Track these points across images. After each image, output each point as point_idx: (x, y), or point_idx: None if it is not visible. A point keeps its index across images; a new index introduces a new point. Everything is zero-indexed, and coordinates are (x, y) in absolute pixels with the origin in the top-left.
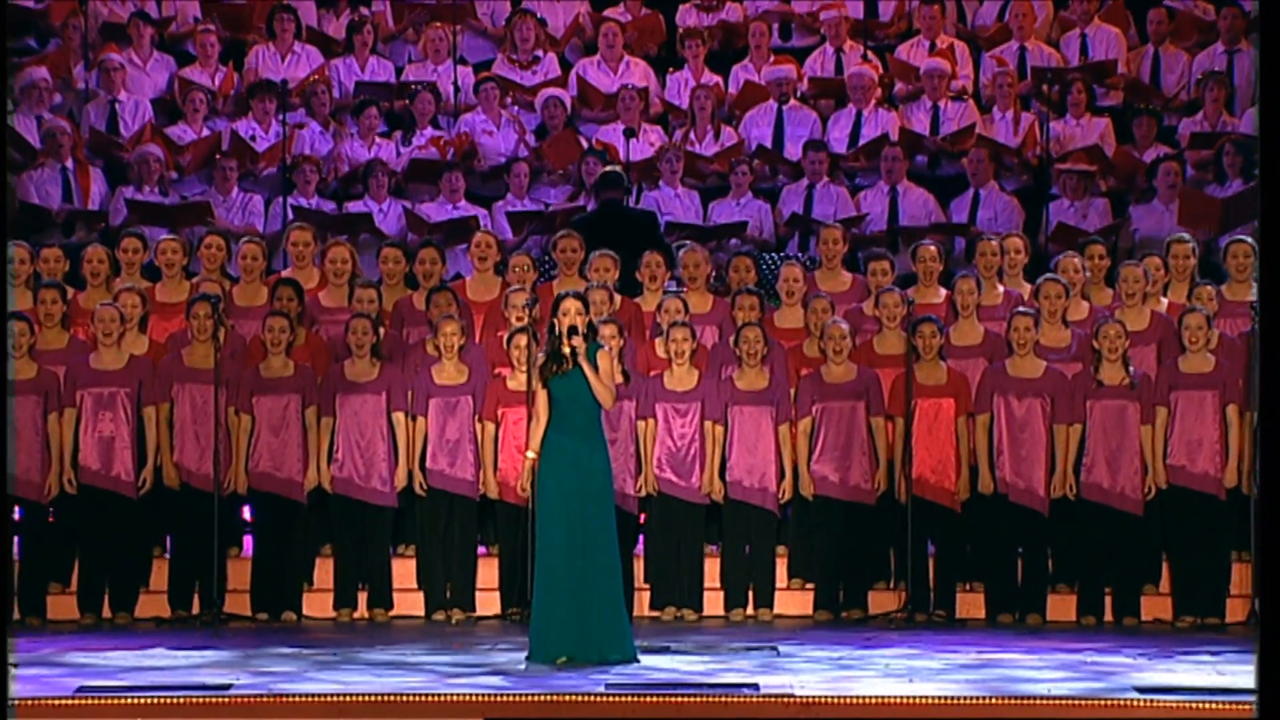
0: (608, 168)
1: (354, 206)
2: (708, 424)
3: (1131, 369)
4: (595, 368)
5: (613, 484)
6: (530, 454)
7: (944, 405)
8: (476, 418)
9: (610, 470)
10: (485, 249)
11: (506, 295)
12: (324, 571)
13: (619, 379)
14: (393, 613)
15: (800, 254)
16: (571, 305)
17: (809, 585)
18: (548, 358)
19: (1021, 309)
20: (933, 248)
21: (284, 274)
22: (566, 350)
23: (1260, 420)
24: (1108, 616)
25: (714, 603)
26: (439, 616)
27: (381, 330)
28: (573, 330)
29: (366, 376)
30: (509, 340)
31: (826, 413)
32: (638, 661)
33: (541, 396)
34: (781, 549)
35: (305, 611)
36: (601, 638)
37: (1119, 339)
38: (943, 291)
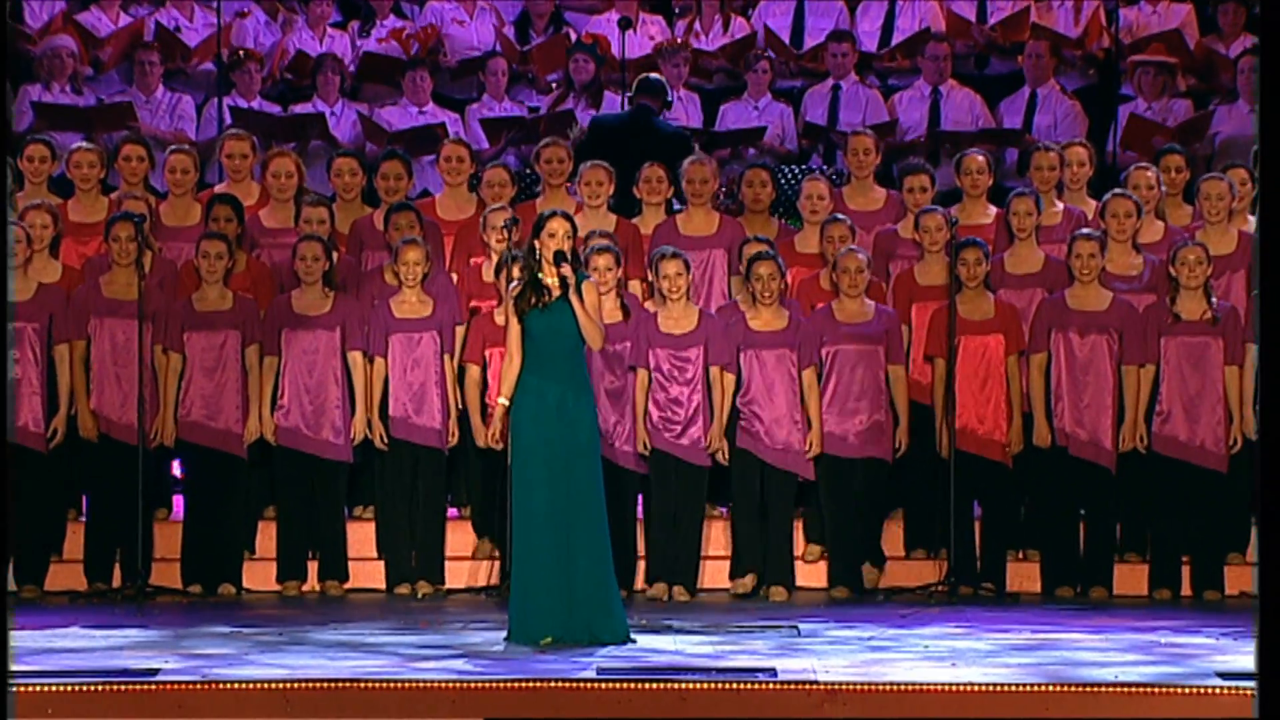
0: (651, 74)
1: (302, 109)
2: (714, 371)
3: (1214, 300)
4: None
5: (599, 438)
6: (502, 400)
7: (991, 343)
8: (448, 357)
9: (597, 422)
10: (456, 161)
11: (485, 215)
12: (267, 538)
13: (617, 315)
14: (348, 585)
15: (825, 167)
16: (560, 226)
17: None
18: (525, 287)
19: (1085, 231)
20: (980, 158)
21: (219, 189)
22: (551, 280)
23: (1260, 420)
24: (1185, 590)
25: (717, 576)
26: (402, 590)
27: (335, 255)
28: (561, 257)
29: (318, 309)
30: (497, 270)
31: (838, 357)
32: (633, 642)
33: (514, 333)
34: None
35: (245, 584)
36: (591, 615)
37: (1200, 265)
38: (991, 210)
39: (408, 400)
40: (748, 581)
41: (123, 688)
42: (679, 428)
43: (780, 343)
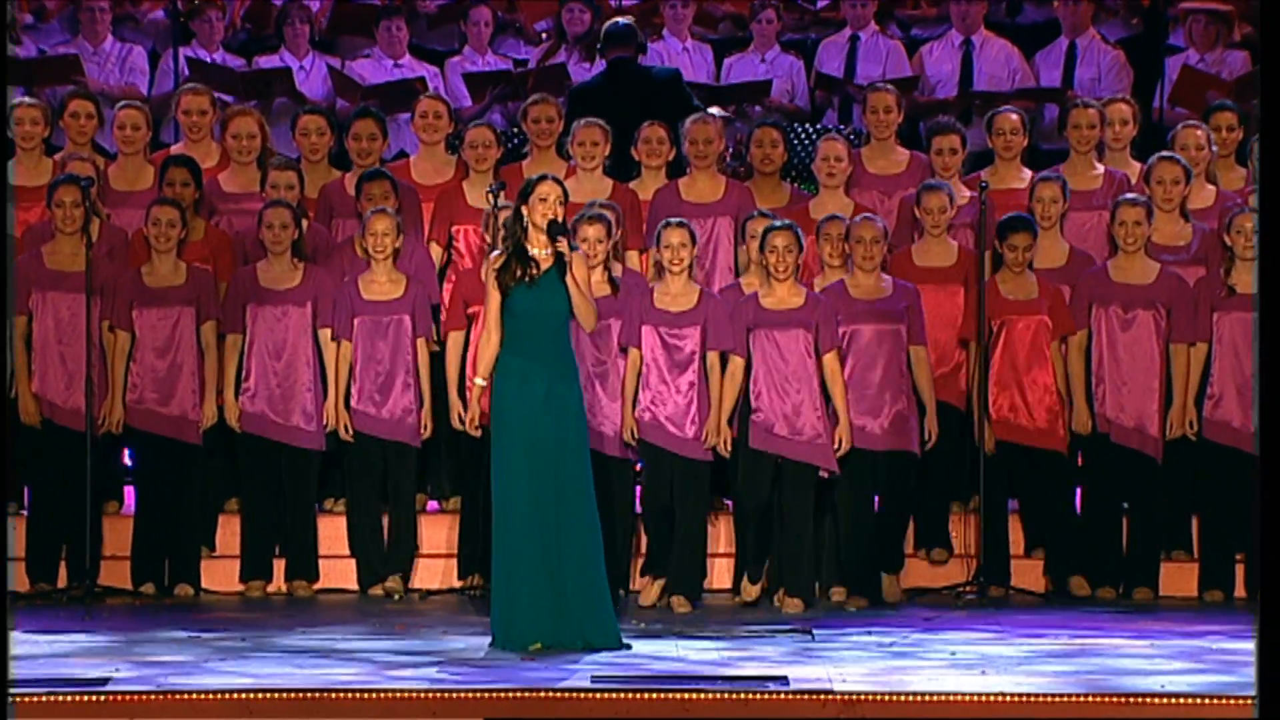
0: (616, 19)
1: (266, 62)
2: (711, 357)
3: None
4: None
5: (587, 426)
6: (480, 381)
7: (1035, 326)
8: (422, 341)
9: (584, 409)
10: (434, 118)
11: (465, 181)
12: (228, 533)
13: (605, 289)
14: (318, 586)
15: (842, 126)
16: (551, 191)
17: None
18: (510, 258)
19: (1130, 196)
20: (1014, 117)
21: (174, 150)
22: (538, 251)
23: (1260, 418)
24: (1238, 591)
25: (723, 576)
26: (376, 592)
27: (305, 222)
28: (558, 228)
29: (287, 282)
30: (485, 224)
31: (855, 339)
32: (628, 648)
33: (495, 307)
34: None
35: (204, 584)
36: (583, 618)
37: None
38: (1026, 174)
39: (374, 390)
40: (753, 591)
41: (69, 699)
42: (672, 417)
43: (797, 322)
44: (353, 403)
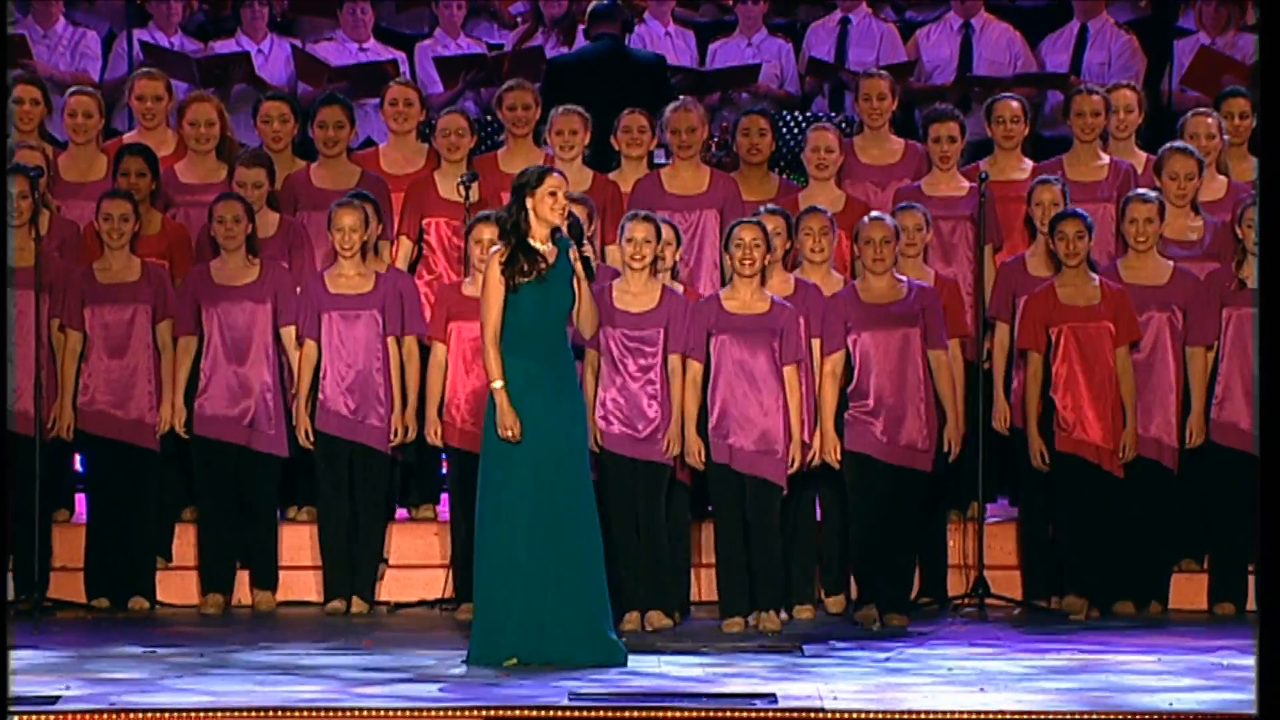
0: None
1: (222, 47)
2: (673, 360)
3: None
4: (569, 276)
5: (587, 426)
6: (499, 384)
7: (1095, 333)
8: (393, 340)
9: (584, 407)
10: (404, 105)
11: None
12: (185, 544)
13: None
14: (280, 599)
15: (833, 114)
16: (560, 185)
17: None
18: (514, 252)
19: (1141, 192)
20: (1014, 104)
21: (128, 138)
22: (543, 245)
23: (1260, 418)
24: (1250, 605)
25: (709, 588)
26: (335, 605)
27: (280, 217)
28: (578, 230)
29: (243, 278)
30: (468, 231)
31: (865, 345)
32: (623, 665)
33: (495, 306)
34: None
35: (160, 597)
36: (584, 634)
37: None
38: (1028, 164)
39: (344, 392)
40: (736, 623)
41: (18, 719)
42: (633, 423)
43: (760, 329)
44: (321, 405)
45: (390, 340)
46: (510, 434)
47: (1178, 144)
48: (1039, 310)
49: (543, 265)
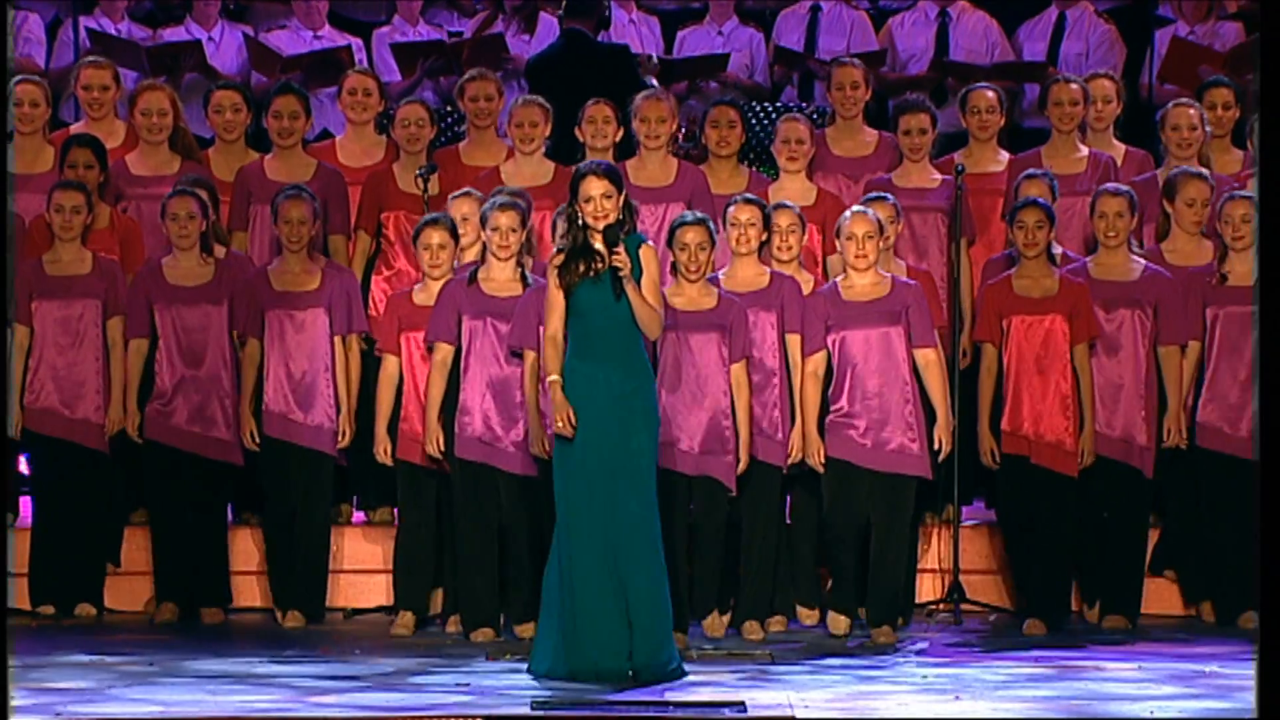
0: None
1: (174, 34)
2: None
3: None
4: (638, 277)
5: (658, 432)
6: (555, 377)
7: (1051, 326)
8: (339, 339)
9: (657, 412)
10: (362, 95)
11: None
12: (134, 548)
13: (517, 289)
14: (232, 606)
15: (804, 105)
16: (595, 188)
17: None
18: (570, 254)
19: (1111, 185)
20: (990, 94)
21: (76, 129)
22: (602, 246)
23: (1261, 418)
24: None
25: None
26: (292, 624)
27: (212, 213)
28: (614, 235)
29: (197, 278)
30: (416, 235)
31: (845, 345)
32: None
33: (557, 308)
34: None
35: (108, 604)
36: (641, 644)
37: (1248, 222)
38: (1004, 156)
39: (289, 392)
40: (714, 623)
41: None
42: None
43: (709, 325)
44: (265, 405)
45: (338, 340)
46: (562, 426)
47: (1192, 169)
48: (994, 301)
49: (599, 265)
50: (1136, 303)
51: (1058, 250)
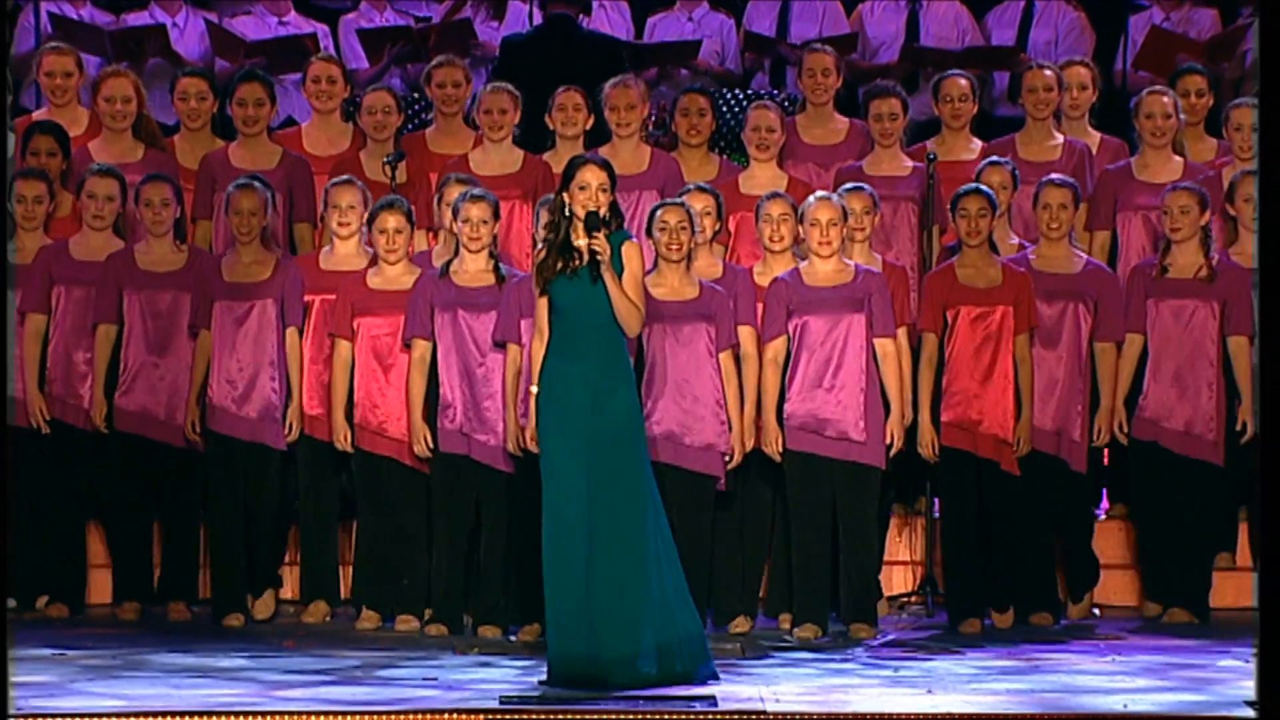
0: None
1: (137, 19)
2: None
3: (1213, 253)
4: (619, 272)
5: (643, 430)
6: (534, 388)
7: (995, 317)
8: (292, 331)
9: (639, 412)
10: (327, 83)
11: (440, 190)
12: (99, 542)
13: (489, 279)
14: (200, 599)
15: (775, 92)
16: (593, 177)
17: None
18: (550, 250)
19: (1055, 176)
20: (963, 82)
21: (37, 116)
22: (580, 244)
23: (1260, 418)
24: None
25: None
26: (231, 623)
27: (185, 199)
28: (596, 222)
29: (168, 265)
30: (371, 219)
31: (805, 331)
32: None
33: (541, 306)
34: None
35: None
36: (611, 648)
37: (1187, 213)
38: (976, 144)
39: (235, 385)
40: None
41: None
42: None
43: (693, 315)
44: (210, 399)
45: (291, 331)
46: (529, 445)
47: (1185, 184)
48: (937, 290)
49: (576, 261)
50: (1078, 295)
51: (1014, 240)
